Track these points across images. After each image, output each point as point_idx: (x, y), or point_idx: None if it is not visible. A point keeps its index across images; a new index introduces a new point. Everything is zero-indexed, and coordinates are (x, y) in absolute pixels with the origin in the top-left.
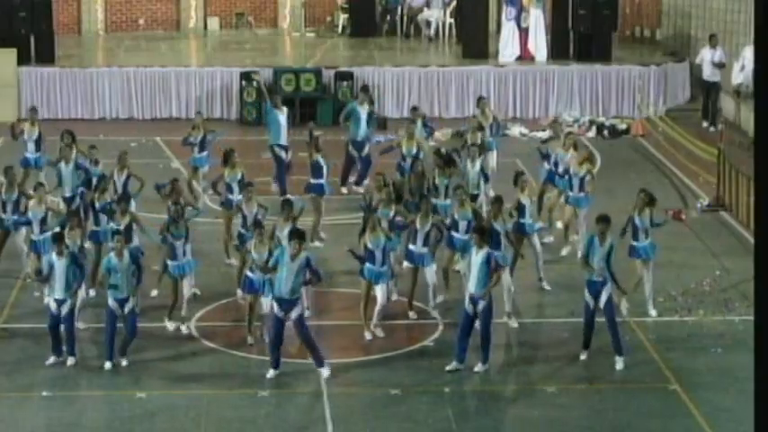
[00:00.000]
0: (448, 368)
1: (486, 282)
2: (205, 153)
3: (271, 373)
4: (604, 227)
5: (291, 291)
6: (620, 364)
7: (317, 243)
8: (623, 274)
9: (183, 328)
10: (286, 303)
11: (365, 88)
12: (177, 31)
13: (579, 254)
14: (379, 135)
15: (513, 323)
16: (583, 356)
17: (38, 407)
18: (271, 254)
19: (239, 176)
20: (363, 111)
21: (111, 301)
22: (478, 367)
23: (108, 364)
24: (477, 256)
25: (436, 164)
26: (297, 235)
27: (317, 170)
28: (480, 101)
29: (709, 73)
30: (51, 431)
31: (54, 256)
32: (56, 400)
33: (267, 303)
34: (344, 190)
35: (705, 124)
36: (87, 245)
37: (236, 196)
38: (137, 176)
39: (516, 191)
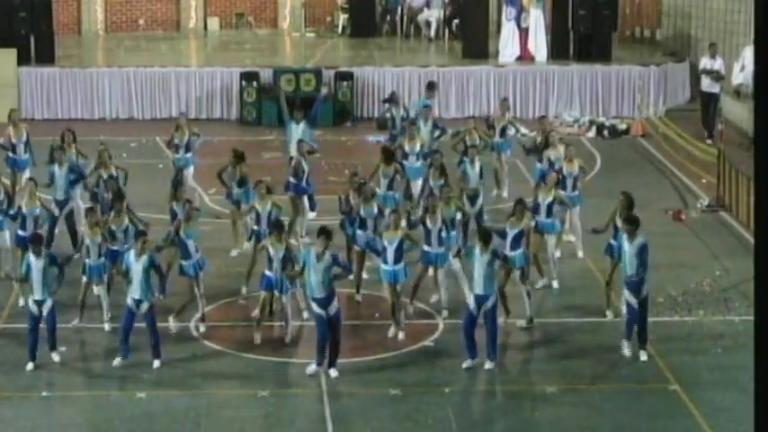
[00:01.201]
0: (465, 366)
1: (492, 281)
2: (189, 154)
3: (311, 368)
4: (632, 228)
5: (324, 288)
6: (644, 355)
7: (292, 240)
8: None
9: (202, 328)
10: (323, 300)
11: (432, 85)
12: (177, 31)
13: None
14: (379, 135)
15: (521, 322)
16: (626, 351)
17: (38, 407)
18: (288, 251)
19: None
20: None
21: (128, 299)
22: (488, 365)
23: (117, 360)
24: (482, 258)
25: (431, 165)
26: (323, 233)
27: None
28: (503, 102)
29: (707, 84)
30: (51, 431)
31: (32, 256)
32: (56, 400)
33: (285, 299)
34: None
35: (709, 141)
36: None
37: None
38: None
39: (540, 190)
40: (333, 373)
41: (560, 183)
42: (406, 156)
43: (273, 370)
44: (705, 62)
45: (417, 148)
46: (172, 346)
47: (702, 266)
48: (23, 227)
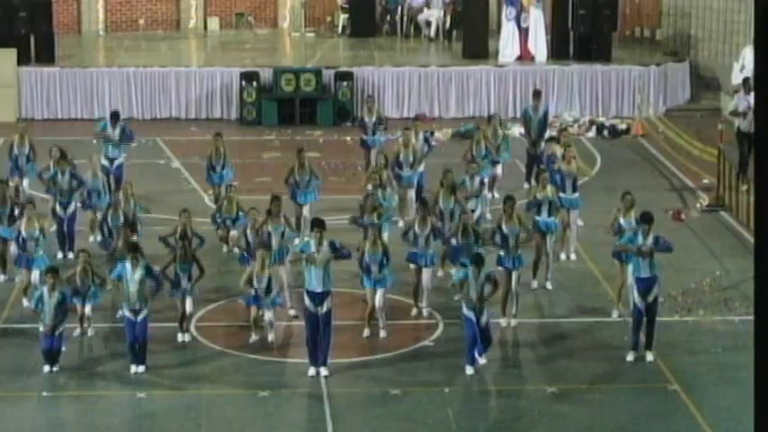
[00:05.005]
0: (469, 373)
1: (486, 300)
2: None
3: (311, 371)
4: (648, 226)
5: (323, 283)
6: (650, 356)
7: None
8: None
9: (186, 337)
10: (318, 296)
11: (537, 93)
12: (177, 31)
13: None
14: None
15: (513, 322)
16: (630, 357)
17: (38, 407)
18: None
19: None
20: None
21: (125, 311)
22: (482, 360)
23: (134, 368)
24: (476, 281)
25: (442, 185)
26: (317, 224)
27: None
28: (492, 117)
29: (745, 125)
30: (51, 431)
31: (45, 291)
32: (56, 400)
33: (268, 315)
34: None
35: (744, 187)
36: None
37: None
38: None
39: (537, 188)
40: (323, 371)
41: (555, 183)
42: (400, 165)
43: (273, 370)
44: (738, 101)
45: (411, 156)
46: (172, 346)
47: (702, 266)
48: (24, 249)
